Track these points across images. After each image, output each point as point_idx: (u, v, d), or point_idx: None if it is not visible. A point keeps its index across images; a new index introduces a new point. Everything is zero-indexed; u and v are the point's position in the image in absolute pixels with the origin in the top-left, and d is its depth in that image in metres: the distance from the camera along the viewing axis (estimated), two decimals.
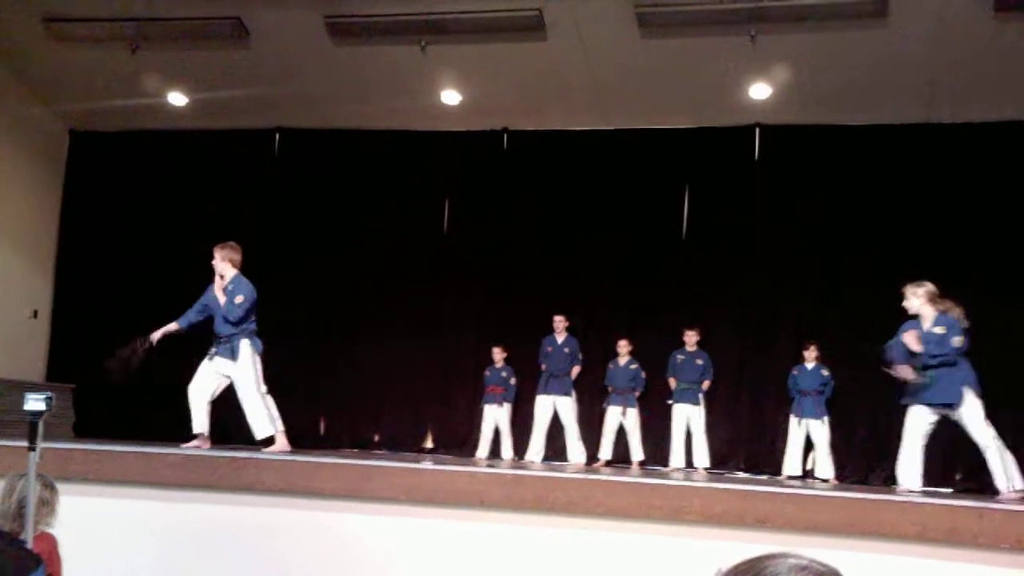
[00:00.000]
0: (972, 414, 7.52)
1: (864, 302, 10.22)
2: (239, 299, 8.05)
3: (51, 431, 7.80)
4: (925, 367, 7.65)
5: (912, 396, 7.71)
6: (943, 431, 10.17)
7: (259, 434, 7.95)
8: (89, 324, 12.16)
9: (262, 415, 7.96)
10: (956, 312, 7.80)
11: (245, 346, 8.05)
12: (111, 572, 5.78)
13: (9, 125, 11.82)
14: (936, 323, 7.73)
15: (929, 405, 7.64)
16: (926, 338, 7.66)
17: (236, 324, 8.03)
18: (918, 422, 7.72)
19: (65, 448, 6.58)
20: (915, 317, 7.85)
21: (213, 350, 8.08)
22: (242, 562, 6.02)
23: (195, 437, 7.89)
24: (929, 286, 7.88)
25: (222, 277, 8.23)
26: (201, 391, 8.04)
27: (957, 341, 7.60)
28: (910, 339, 7.69)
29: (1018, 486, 7.33)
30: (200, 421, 7.98)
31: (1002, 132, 10.58)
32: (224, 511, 6.17)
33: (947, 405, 7.57)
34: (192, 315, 8.23)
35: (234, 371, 8.03)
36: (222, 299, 8.12)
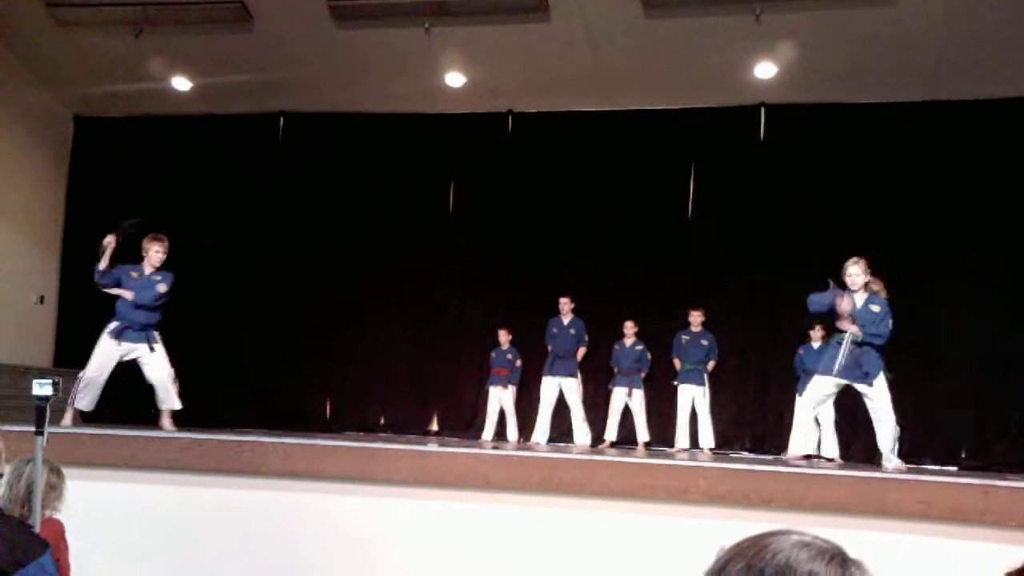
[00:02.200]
0: (883, 392, 7.58)
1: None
2: (163, 288, 8.39)
3: (58, 416, 7.86)
4: (858, 343, 7.65)
5: (825, 368, 7.70)
6: (949, 410, 10.23)
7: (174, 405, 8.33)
8: (95, 309, 12.16)
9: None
10: (883, 293, 7.83)
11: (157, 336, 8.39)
12: (118, 556, 5.81)
13: (13, 110, 11.81)
14: (871, 302, 7.72)
15: (841, 378, 7.65)
16: (863, 315, 7.66)
17: (150, 311, 8.32)
18: (819, 393, 7.81)
19: (72, 433, 6.61)
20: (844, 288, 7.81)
21: (124, 329, 8.29)
22: (249, 545, 6.05)
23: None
24: (865, 262, 7.83)
25: (154, 266, 8.43)
26: (105, 371, 8.29)
27: (890, 324, 7.67)
28: (845, 303, 7.63)
29: (898, 464, 7.46)
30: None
31: (1009, 109, 10.51)
32: (230, 495, 6.19)
33: (862, 381, 7.59)
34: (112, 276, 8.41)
35: (152, 356, 8.31)
36: (143, 284, 8.37)
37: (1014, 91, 10.37)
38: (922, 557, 5.38)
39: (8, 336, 11.50)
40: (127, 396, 8.84)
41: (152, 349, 8.31)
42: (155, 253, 8.40)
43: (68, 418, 8.09)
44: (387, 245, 12.01)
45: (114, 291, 8.30)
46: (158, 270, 8.45)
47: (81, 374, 8.31)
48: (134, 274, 8.36)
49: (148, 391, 8.45)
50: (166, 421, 8.26)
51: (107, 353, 8.28)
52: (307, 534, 6.03)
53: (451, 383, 11.97)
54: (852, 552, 1.26)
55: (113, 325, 8.31)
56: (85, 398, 8.21)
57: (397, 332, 11.93)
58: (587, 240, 11.61)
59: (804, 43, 10.12)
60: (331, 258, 12.05)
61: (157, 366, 8.33)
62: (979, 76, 10.25)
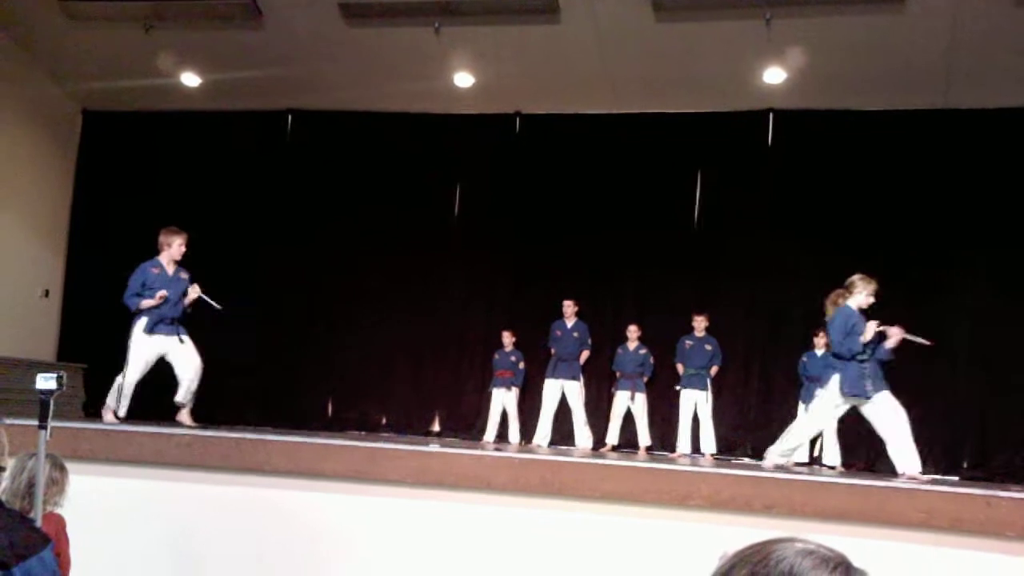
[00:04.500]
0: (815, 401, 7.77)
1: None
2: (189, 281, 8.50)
3: (61, 411, 7.84)
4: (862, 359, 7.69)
5: (851, 387, 7.65)
6: (951, 419, 10.21)
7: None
8: (100, 304, 12.17)
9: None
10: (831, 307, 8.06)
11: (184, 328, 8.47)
12: (119, 552, 5.82)
13: (22, 104, 11.84)
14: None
15: (856, 397, 7.66)
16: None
17: (177, 305, 8.37)
18: (837, 410, 7.79)
19: (75, 427, 6.61)
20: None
21: (158, 323, 8.24)
22: (249, 542, 6.05)
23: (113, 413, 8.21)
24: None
25: (175, 260, 8.44)
26: (143, 373, 8.30)
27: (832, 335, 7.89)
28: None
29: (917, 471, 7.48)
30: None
31: (1019, 118, 10.49)
32: (232, 492, 6.19)
33: (866, 397, 7.60)
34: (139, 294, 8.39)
35: (183, 348, 8.31)
36: (173, 280, 8.39)
37: (1023, 100, 10.35)
38: (923, 567, 5.37)
39: (13, 330, 11.51)
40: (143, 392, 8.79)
41: (182, 341, 8.27)
42: (179, 247, 8.40)
43: (109, 416, 8.08)
44: (392, 244, 12.01)
45: (149, 303, 8.18)
46: (178, 264, 8.45)
47: (119, 382, 8.20)
48: (155, 270, 8.32)
49: (160, 386, 8.41)
50: (186, 417, 8.16)
51: (145, 353, 8.21)
52: (307, 532, 6.03)
53: (454, 384, 11.97)
54: (854, 561, 1.25)
55: (144, 322, 8.18)
56: (125, 405, 8.17)
57: (400, 332, 11.92)
58: (592, 243, 11.59)
59: (813, 49, 10.10)
60: (336, 256, 12.07)
61: (188, 359, 8.27)
62: (988, 85, 10.23)
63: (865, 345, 7.57)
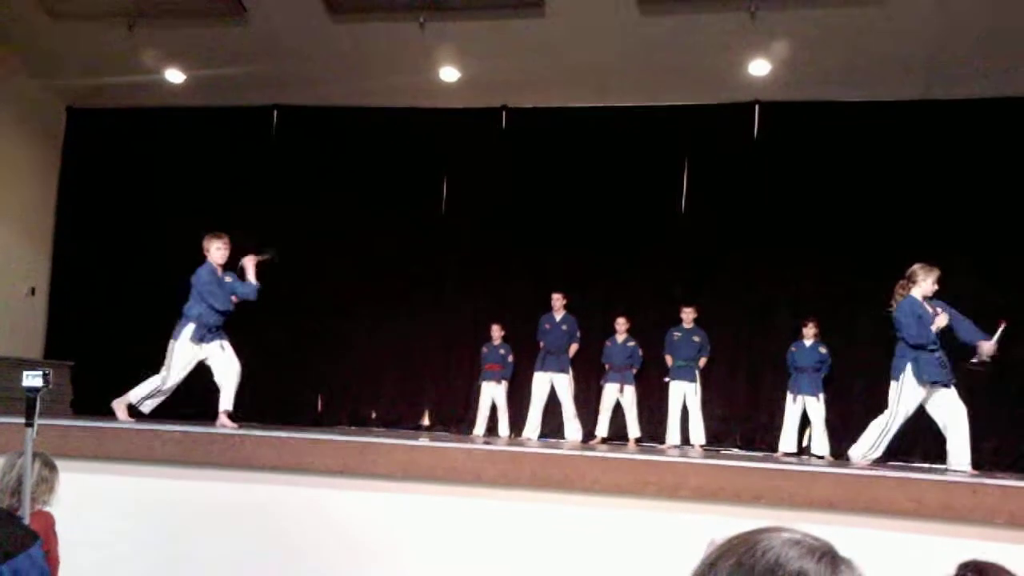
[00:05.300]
0: (893, 393, 7.70)
1: (863, 279, 10.21)
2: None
3: (49, 408, 7.82)
4: (933, 348, 7.68)
5: (930, 374, 7.62)
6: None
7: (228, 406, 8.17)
8: (87, 301, 12.17)
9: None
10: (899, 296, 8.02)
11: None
12: (108, 549, 5.80)
13: (6, 102, 11.76)
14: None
15: (935, 384, 7.63)
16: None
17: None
18: (916, 401, 7.71)
19: (63, 425, 6.58)
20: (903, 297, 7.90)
21: (206, 333, 8.13)
22: (238, 538, 6.04)
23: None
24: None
25: (220, 264, 8.31)
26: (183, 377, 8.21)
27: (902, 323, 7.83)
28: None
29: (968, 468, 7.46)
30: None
31: (1001, 109, 10.54)
32: (221, 488, 6.18)
33: (945, 384, 7.60)
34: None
35: (223, 354, 8.20)
36: (227, 284, 8.27)
37: (1005, 91, 10.40)
38: (912, 555, 5.39)
39: None
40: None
41: (223, 348, 8.16)
42: (216, 250, 8.19)
43: (123, 411, 7.93)
44: (380, 238, 12.00)
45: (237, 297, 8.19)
46: (224, 268, 8.34)
47: (155, 384, 8.06)
48: (214, 275, 8.23)
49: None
50: (226, 420, 7.99)
51: (189, 358, 8.10)
52: (297, 527, 6.03)
53: (443, 378, 11.98)
54: (842, 550, 1.26)
55: (193, 329, 8.06)
56: (153, 403, 8.06)
57: (389, 326, 11.91)
58: (580, 236, 11.60)
59: (798, 41, 10.14)
60: (323, 251, 12.03)
61: (230, 365, 8.14)
62: (970, 75, 10.27)
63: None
